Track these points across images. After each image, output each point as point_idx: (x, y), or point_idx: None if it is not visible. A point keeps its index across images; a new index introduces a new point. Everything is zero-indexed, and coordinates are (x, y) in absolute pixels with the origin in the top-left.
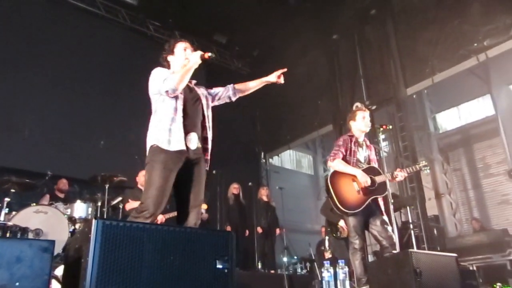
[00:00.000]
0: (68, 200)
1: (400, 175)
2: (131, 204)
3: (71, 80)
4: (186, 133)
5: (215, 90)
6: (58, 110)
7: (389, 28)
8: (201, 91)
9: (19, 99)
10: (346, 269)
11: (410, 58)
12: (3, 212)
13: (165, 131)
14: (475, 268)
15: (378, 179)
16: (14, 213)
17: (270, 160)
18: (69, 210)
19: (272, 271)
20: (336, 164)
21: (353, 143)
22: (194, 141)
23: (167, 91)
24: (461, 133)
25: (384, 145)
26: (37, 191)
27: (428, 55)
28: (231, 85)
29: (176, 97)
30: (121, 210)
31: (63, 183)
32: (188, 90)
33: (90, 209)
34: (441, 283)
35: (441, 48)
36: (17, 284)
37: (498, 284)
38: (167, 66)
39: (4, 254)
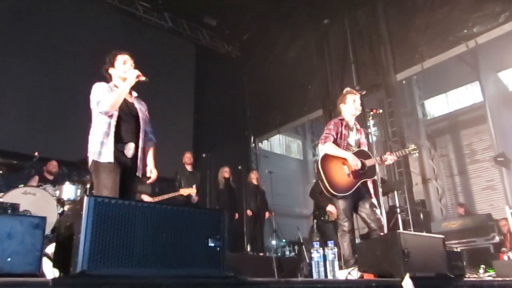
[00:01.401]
0: (57, 182)
1: (390, 158)
2: None
3: (59, 61)
4: (124, 143)
5: (147, 123)
6: (45, 91)
7: (380, 13)
8: (140, 105)
9: (5, 80)
10: (335, 250)
11: (400, 44)
12: None
13: (98, 144)
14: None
15: (368, 162)
16: (1, 194)
17: (260, 144)
18: (57, 192)
19: (261, 254)
20: (327, 147)
21: (343, 127)
22: (131, 150)
23: (100, 112)
24: (449, 119)
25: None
26: (24, 173)
27: (418, 41)
28: (153, 141)
29: (111, 115)
30: None
31: (53, 165)
32: (125, 105)
33: (79, 191)
34: (428, 264)
35: (431, 34)
36: (8, 259)
37: (482, 266)
38: (109, 77)
39: None
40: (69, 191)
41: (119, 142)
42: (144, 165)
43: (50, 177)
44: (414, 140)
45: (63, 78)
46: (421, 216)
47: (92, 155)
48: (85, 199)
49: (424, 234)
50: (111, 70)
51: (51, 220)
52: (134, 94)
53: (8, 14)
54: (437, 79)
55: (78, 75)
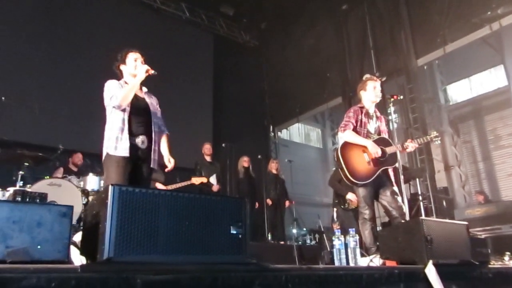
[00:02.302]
0: (81, 173)
1: (411, 145)
2: None
3: (80, 54)
4: (136, 136)
5: (159, 116)
6: (68, 84)
7: None
8: (150, 100)
9: (29, 74)
10: (357, 237)
11: (421, 28)
12: (18, 185)
13: (114, 139)
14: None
15: (389, 150)
16: (28, 185)
17: (279, 133)
18: (82, 183)
19: (282, 242)
20: (346, 135)
21: (363, 114)
22: (144, 142)
23: (113, 107)
24: (472, 104)
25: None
26: (49, 165)
27: (440, 24)
28: (165, 133)
29: (124, 109)
30: None
31: (78, 157)
32: (136, 100)
33: (102, 182)
34: (451, 250)
35: (453, 17)
36: (38, 247)
37: (508, 253)
38: (120, 74)
39: (25, 218)
40: (93, 182)
41: (132, 135)
42: (160, 156)
43: (75, 169)
44: (436, 126)
45: (85, 70)
46: (444, 203)
47: (106, 149)
48: (110, 188)
49: (447, 220)
50: (122, 67)
51: (77, 210)
52: (144, 89)
53: (32, 9)
54: (459, 63)
55: (100, 67)
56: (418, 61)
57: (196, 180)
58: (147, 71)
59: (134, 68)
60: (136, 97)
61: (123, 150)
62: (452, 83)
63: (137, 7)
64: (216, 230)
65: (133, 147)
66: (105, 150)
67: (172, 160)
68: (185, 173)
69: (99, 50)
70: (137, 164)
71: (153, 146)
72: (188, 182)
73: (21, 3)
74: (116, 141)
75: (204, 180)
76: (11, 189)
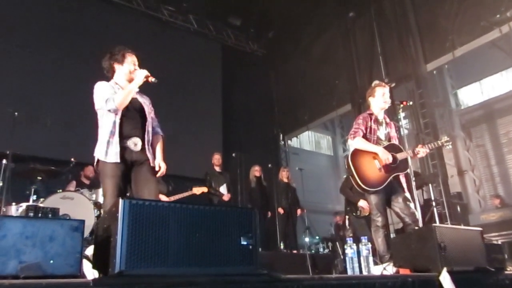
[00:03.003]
0: (93, 186)
1: (422, 151)
2: None
3: (90, 67)
4: (128, 138)
5: (152, 117)
6: (79, 97)
7: (407, 2)
8: (143, 99)
9: (40, 88)
10: (369, 245)
11: (429, 33)
12: (31, 199)
13: (105, 143)
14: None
15: (400, 156)
16: (41, 199)
17: (289, 141)
18: (94, 196)
19: (295, 251)
20: (356, 142)
21: (372, 121)
22: (137, 144)
23: (109, 110)
24: (484, 108)
25: (404, 123)
26: (62, 178)
27: (448, 28)
28: (159, 134)
29: (116, 112)
30: None
31: (90, 170)
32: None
33: None
34: (466, 257)
35: (462, 20)
36: (51, 261)
37: None
38: (110, 72)
39: (38, 233)
40: None
41: (123, 138)
42: (153, 158)
43: (87, 182)
44: (447, 131)
45: (93, 83)
46: (458, 209)
47: (97, 154)
48: (120, 201)
49: (461, 227)
50: (116, 66)
51: (89, 223)
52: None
53: (43, 24)
54: (469, 67)
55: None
56: (427, 66)
57: (197, 190)
58: (146, 77)
59: (132, 72)
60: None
61: (113, 155)
62: (463, 87)
63: (146, 20)
64: (226, 241)
65: (125, 150)
66: (95, 156)
67: (163, 165)
68: (195, 183)
69: None
70: (135, 166)
71: (146, 146)
72: (190, 193)
73: (33, 18)
74: (106, 146)
75: (205, 190)
76: (24, 205)
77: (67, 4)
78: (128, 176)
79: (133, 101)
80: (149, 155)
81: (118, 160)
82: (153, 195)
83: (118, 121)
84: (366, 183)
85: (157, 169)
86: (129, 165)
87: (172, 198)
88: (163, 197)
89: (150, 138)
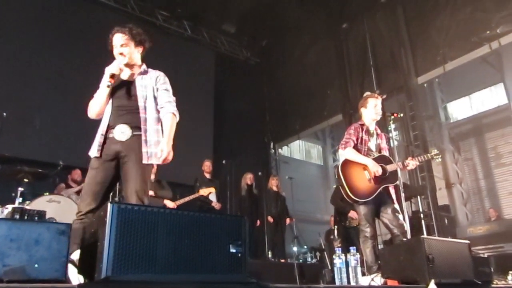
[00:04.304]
0: (81, 189)
1: (412, 163)
2: None
3: (80, 69)
4: (114, 127)
5: (159, 95)
6: (68, 100)
7: (399, 16)
8: (143, 81)
9: (29, 89)
10: (358, 256)
11: (421, 46)
12: (17, 201)
13: (96, 138)
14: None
15: (390, 167)
16: (27, 202)
17: (280, 150)
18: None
19: (283, 260)
20: (347, 152)
21: (364, 132)
22: (124, 132)
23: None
24: (473, 122)
25: (394, 134)
26: (49, 181)
27: (439, 43)
28: (169, 112)
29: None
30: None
31: (77, 174)
32: (119, 85)
33: None
34: (453, 270)
35: (453, 36)
36: (36, 265)
37: (511, 272)
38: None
39: (23, 236)
40: None
41: (111, 128)
42: (145, 146)
43: (74, 185)
44: (437, 144)
45: (86, 86)
46: (446, 221)
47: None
48: (109, 206)
49: (449, 239)
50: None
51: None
52: (143, 67)
53: (34, 24)
54: (459, 81)
55: (98, 84)
56: (419, 79)
57: (204, 192)
58: (111, 76)
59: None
60: (120, 81)
61: (95, 148)
62: (453, 100)
63: (140, 24)
64: (215, 248)
65: (109, 141)
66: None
67: (165, 150)
68: (185, 189)
69: (101, 66)
70: (120, 159)
71: (142, 136)
72: (197, 195)
73: (24, 19)
74: (95, 140)
75: (213, 190)
76: (9, 207)
77: (59, 6)
78: (114, 169)
79: (124, 85)
80: (144, 147)
81: (98, 154)
82: (133, 197)
83: (109, 110)
84: (356, 194)
85: (158, 155)
86: (113, 157)
87: (178, 202)
88: (168, 203)
89: (147, 126)
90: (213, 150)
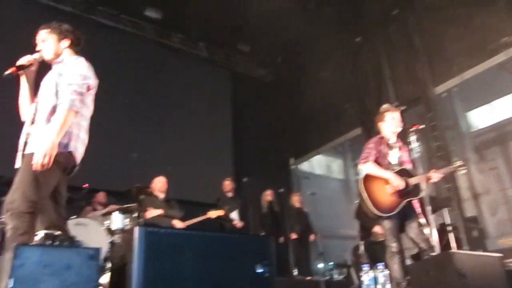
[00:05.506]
0: (107, 212)
1: (435, 176)
2: (151, 213)
3: (102, 97)
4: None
5: None
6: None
7: (413, 27)
8: (54, 71)
9: None
10: (386, 272)
11: (436, 57)
12: None
13: None
14: None
15: (412, 181)
16: None
17: (300, 166)
18: (107, 222)
19: (309, 278)
20: (367, 167)
21: (384, 145)
22: (29, 134)
23: None
24: (496, 130)
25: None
26: (75, 205)
27: (455, 52)
28: (63, 105)
29: None
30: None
31: (102, 196)
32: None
33: (126, 220)
34: (486, 285)
35: (468, 44)
36: None
37: None
38: None
39: (55, 262)
40: (117, 220)
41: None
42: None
43: (100, 208)
44: (460, 153)
45: (107, 110)
46: (474, 233)
47: None
48: (136, 230)
49: (480, 253)
50: None
51: (102, 249)
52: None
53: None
54: (479, 89)
55: (121, 106)
56: (436, 89)
57: (213, 214)
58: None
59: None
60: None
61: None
62: (473, 109)
63: (156, 47)
64: (241, 269)
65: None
66: None
67: (38, 154)
68: (207, 208)
69: (120, 91)
70: None
71: (24, 139)
72: (205, 217)
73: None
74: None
75: (221, 213)
76: (41, 233)
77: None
78: None
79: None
80: (25, 149)
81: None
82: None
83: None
84: (379, 209)
85: (33, 161)
86: None
87: (187, 223)
88: (177, 223)
89: (38, 126)
90: (234, 169)
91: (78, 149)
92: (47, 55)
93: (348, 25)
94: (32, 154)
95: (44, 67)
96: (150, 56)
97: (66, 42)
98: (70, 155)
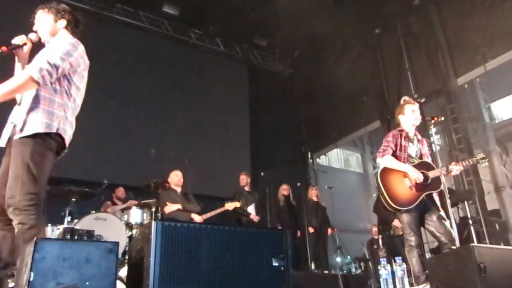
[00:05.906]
0: (126, 207)
1: (455, 169)
2: (170, 207)
3: (119, 91)
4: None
5: None
6: (110, 121)
7: (434, 17)
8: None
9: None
10: (404, 266)
11: (459, 47)
12: (66, 220)
13: None
14: None
15: (431, 174)
16: (76, 220)
17: (318, 159)
18: (126, 216)
19: (326, 272)
20: (385, 160)
21: (403, 138)
22: (16, 117)
23: None
24: None
25: (436, 138)
26: (95, 199)
27: (478, 42)
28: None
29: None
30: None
31: (121, 191)
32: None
33: (145, 215)
34: (507, 279)
35: (492, 34)
36: (87, 283)
37: None
38: None
39: (74, 255)
40: (136, 215)
41: None
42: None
43: (119, 203)
44: (482, 146)
45: (125, 107)
46: (497, 226)
47: None
48: (153, 223)
49: (501, 246)
50: None
51: (121, 243)
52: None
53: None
54: (502, 80)
55: (138, 104)
56: (458, 80)
57: (230, 206)
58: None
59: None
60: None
61: None
62: (496, 100)
63: (175, 43)
64: (257, 262)
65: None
66: None
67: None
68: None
69: (140, 87)
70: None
71: (21, 121)
72: (223, 209)
73: None
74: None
75: (238, 205)
76: (60, 227)
77: (94, 28)
78: None
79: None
80: (14, 132)
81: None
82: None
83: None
84: (397, 202)
85: None
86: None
87: (205, 216)
88: (195, 217)
89: (23, 108)
90: (251, 163)
91: (67, 131)
92: (43, 35)
93: (367, 17)
94: (20, 140)
95: (41, 47)
96: (168, 52)
97: (62, 22)
98: (59, 136)
